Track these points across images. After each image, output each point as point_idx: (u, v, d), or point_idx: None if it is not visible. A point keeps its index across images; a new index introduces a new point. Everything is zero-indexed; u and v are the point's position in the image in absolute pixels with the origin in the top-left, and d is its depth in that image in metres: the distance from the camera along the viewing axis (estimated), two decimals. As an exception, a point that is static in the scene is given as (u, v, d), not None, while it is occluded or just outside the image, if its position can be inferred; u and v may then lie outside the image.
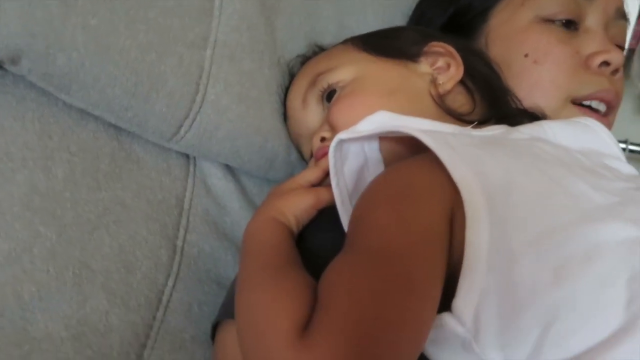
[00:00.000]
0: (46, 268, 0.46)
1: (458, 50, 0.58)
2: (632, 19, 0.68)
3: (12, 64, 0.46)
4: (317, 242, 0.49)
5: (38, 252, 0.46)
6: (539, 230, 0.37)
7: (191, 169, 0.61)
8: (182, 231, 0.57)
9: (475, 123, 0.53)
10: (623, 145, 1.20)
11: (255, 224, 0.48)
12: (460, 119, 0.55)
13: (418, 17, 0.74)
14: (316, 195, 0.50)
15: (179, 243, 0.56)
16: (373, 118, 0.50)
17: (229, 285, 0.58)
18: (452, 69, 0.57)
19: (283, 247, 0.46)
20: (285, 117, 0.64)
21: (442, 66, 0.57)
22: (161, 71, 0.52)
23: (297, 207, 0.49)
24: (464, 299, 0.35)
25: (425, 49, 0.58)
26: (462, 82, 0.57)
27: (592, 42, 0.61)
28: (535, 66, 0.61)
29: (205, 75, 0.55)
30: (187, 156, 0.61)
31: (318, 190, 0.51)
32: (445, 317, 0.36)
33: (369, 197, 0.41)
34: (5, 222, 0.45)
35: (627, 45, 0.68)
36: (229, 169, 0.64)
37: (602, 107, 0.62)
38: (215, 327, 0.51)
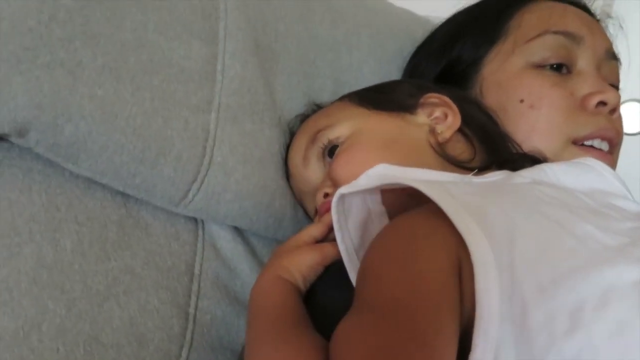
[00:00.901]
0: (56, 346, 0.44)
1: (453, 99, 0.59)
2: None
3: (20, 136, 0.46)
4: (326, 299, 0.48)
5: (47, 330, 0.44)
6: (548, 276, 0.36)
7: (200, 232, 0.60)
8: (193, 298, 0.55)
9: (476, 170, 0.53)
10: None
11: (262, 284, 0.47)
12: (461, 166, 0.55)
13: (412, 70, 0.76)
14: (321, 251, 0.50)
15: (191, 311, 0.54)
16: (372, 171, 0.50)
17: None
18: (450, 118, 0.58)
19: (291, 306, 0.45)
20: (287, 175, 0.64)
21: (440, 116, 0.58)
22: (168, 136, 0.52)
23: (303, 264, 0.49)
24: (480, 352, 0.34)
25: (421, 100, 0.59)
26: (460, 130, 0.58)
27: (586, 83, 0.62)
28: (531, 111, 0.62)
29: (212, 137, 0.56)
30: (196, 220, 0.60)
31: (323, 246, 0.50)
32: None
33: (375, 253, 0.41)
34: (13, 299, 0.43)
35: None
36: (237, 230, 0.63)
37: (604, 146, 0.62)
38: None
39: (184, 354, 0.51)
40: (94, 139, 0.48)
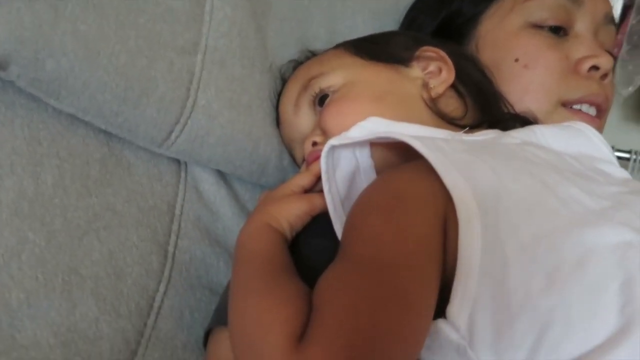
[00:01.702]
0: (35, 274, 0.45)
1: (450, 54, 0.58)
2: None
3: (1, 69, 0.46)
4: (310, 248, 0.49)
5: (26, 259, 0.45)
6: (531, 236, 0.37)
7: (182, 174, 0.60)
8: (173, 237, 0.57)
9: (467, 128, 0.53)
10: (627, 156, 1.20)
11: (248, 231, 0.48)
12: (453, 123, 0.55)
13: (409, 22, 0.75)
14: (310, 201, 0.50)
15: (170, 249, 0.56)
16: (364, 124, 0.50)
17: (221, 292, 0.57)
18: (444, 73, 0.57)
19: (276, 254, 0.45)
20: (277, 122, 0.64)
21: (434, 70, 0.58)
22: (151, 76, 0.52)
23: (291, 213, 0.49)
24: (458, 305, 0.35)
25: (417, 53, 0.58)
26: (453, 86, 0.58)
27: (581, 47, 0.62)
28: (525, 71, 0.62)
29: (196, 80, 0.55)
30: (179, 162, 0.61)
31: (312, 196, 0.51)
32: (440, 323, 0.36)
33: (362, 206, 0.41)
34: (-7, 228, 0.45)
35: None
36: (220, 174, 0.64)
37: (592, 111, 0.62)
38: (207, 335, 0.51)
39: (161, 289, 0.53)
40: (76, 75, 0.48)
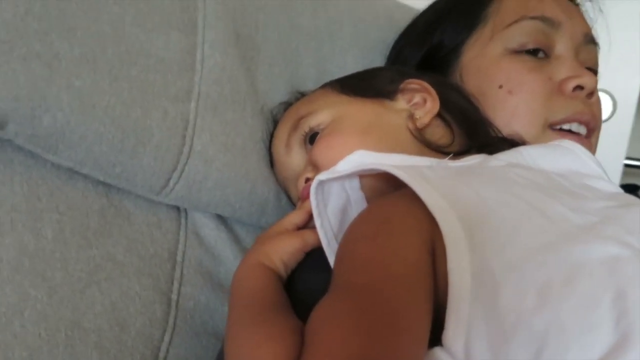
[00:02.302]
0: (37, 331, 0.45)
1: (433, 85, 0.59)
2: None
3: (-1, 128, 0.47)
4: (306, 284, 0.49)
5: (29, 316, 0.45)
6: (518, 255, 0.37)
7: (182, 221, 0.60)
8: (176, 284, 0.56)
9: (453, 155, 0.54)
10: None
11: (242, 270, 0.48)
12: (440, 150, 0.55)
13: (394, 57, 0.76)
14: (302, 238, 0.50)
15: (174, 297, 0.55)
16: (351, 157, 0.51)
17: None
18: (429, 104, 0.58)
19: (269, 291, 0.46)
20: (271, 163, 0.65)
21: (419, 101, 0.59)
22: (147, 125, 0.53)
23: (284, 250, 0.49)
24: (452, 331, 0.35)
25: (401, 86, 0.60)
26: (439, 115, 0.59)
27: (563, 67, 0.63)
28: (510, 96, 0.62)
29: (191, 127, 0.56)
30: (178, 208, 0.61)
31: (304, 232, 0.51)
32: (437, 351, 0.35)
33: (350, 235, 0.42)
34: (-5, 286, 0.44)
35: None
36: (220, 218, 0.64)
37: (582, 130, 0.62)
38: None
39: (166, 338, 0.53)
40: (72, 129, 0.49)
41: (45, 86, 0.47)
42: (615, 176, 1.19)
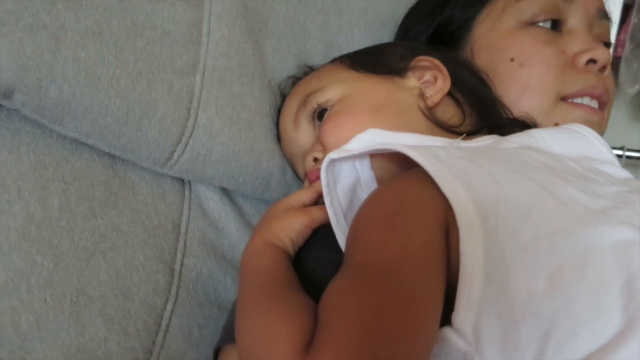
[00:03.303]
0: (43, 297, 0.46)
1: (445, 62, 0.59)
2: (615, 19, 0.68)
3: (5, 98, 0.47)
4: (314, 262, 0.49)
5: (35, 282, 0.46)
6: (531, 238, 0.37)
7: (187, 193, 0.61)
8: (179, 255, 0.57)
9: (465, 135, 0.54)
10: (620, 152, 1.20)
11: (251, 249, 0.49)
12: (451, 130, 0.55)
13: (404, 33, 0.75)
14: (309, 215, 0.50)
15: (177, 267, 0.57)
16: (362, 136, 0.51)
17: (229, 308, 0.58)
18: (440, 82, 0.58)
19: (279, 270, 0.46)
20: (278, 137, 0.65)
21: (430, 79, 0.58)
22: (152, 98, 0.53)
23: (291, 228, 0.50)
24: (463, 313, 0.35)
25: (412, 63, 0.59)
26: (450, 94, 0.58)
27: (577, 41, 0.62)
28: (522, 69, 0.61)
29: (196, 100, 0.56)
30: (182, 181, 0.62)
31: (311, 209, 0.51)
32: (446, 331, 0.36)
33: (363, 216, 0.42)
34: (2, 253, 0.46)
35: (612, 49, 0.68)
36: (224, 191, 0.64)
37: (594, 104, 0.61)
38: (216, 352, 0.51)
39: (168, 307, 0.54)
40: (78, 100, 0.49)
41: (51, 57, 0.47)
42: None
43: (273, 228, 0.50)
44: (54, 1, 0.48)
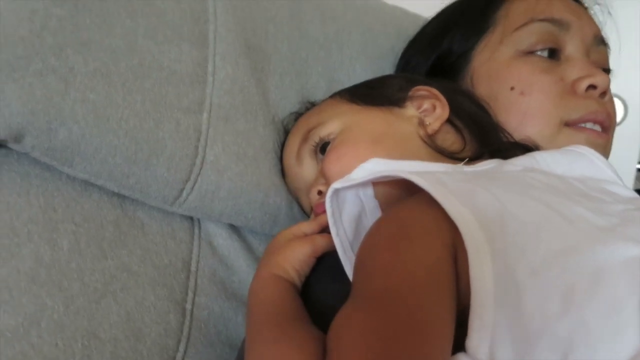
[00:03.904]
0: (54, 341, 0.45)
1: (442, 91, 0.59)
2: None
3: (16, 142, 0.48)
4: (322, 293, 0.49)
5: (45, 326, 0.46)
6: (540, 258, 0.37)
7: (196, 231, 0.61)
8: (190, 294, 0.57)
9: (467, 160, 0.54)
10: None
11: (257, 283, 0.48)
12: (452, 157, 0.55)
13: (403, 65, 0.77)
14: (312, 243, 0.50)
15: (188, 306, 0.56)
16: (365, 165, 0.51)
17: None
18: (438, 110, 0.58)
19: (287, 302, 0.45)
20: (283, 173, 0.65)
21: (428, 108, 0.59)
22: (159, 137, 0.54)
23: (295, 258, 0.49)
24: (476, 338, 0.34)
25: (410, 93, 0.60)
26: (449, 121, 0.58)
27: (575, 68, 0.62)
28: (522, 98, 0.62)
29: (204, 137, 0.57)
30: (192, 218, 0.62)
31: (313, 237, 0.51)
32: (461, 357, 0.35)
33: (369, 243, 0.41)
34: (12, 297, 0.45)
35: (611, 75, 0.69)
36: (233, 228, 0.64)
37: (597, 128, 0.61)
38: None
39: (181, 348, 0.53)
40: (87, 141, 0.50)
41: (60, 100, 0.48)
42: (629, 180, 1.18)
43: (277, 260, 0.49)
44: (62, 46, 0.49)
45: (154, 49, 0.55)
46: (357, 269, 0.40)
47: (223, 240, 0.62)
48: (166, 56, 0.56)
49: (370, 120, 0.58)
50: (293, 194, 0.65)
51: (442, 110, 0.58)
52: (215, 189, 0.58)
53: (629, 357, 0.32)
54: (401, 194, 0.50)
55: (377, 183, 0.51)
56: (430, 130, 0.57)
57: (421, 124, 0.57)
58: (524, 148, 0.59)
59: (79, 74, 0.49)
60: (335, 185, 0.48)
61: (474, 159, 0.55)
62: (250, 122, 0.62)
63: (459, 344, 0.35)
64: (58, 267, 0.48)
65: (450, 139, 0.57)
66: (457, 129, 0.58)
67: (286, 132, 0.67)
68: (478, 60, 0.67)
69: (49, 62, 0.48)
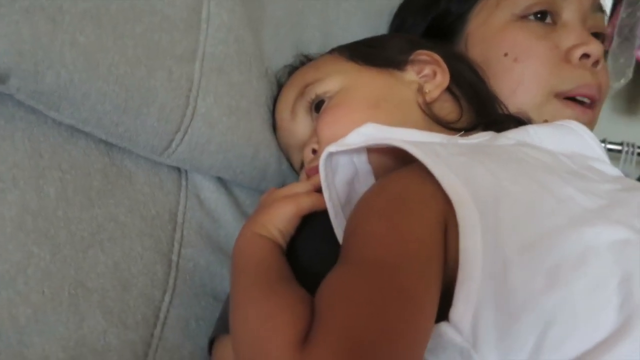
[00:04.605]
0: (41, 289, 0.45)
1: (444, 57, 0.59)
2: (607, 9, 0.68)
3: (0, 82, 0.45)
4: (310, 255, 0.49)
5: (32, 273, 0.45)
6: (530, 236, 0.37)
7: (183, 182, 0.60)
8: (176, 245, 0.56)
9: (463, 132, 0.54)
10: (619, 148, 1.21)
11: (241, 242, 0.48)
12: (448, 127, 0.55)
13: (398, 24, 0.75)
14: (296, 202, 0.50)
15: (174, 258, 0.56)
16: (361, 130, 0.50)
17: (225, 299, 0.57)
18: (439, 77, 0.58)
19: (271, 262, 0.46)
20: (274, 127, 0.64)
21: (429, 74, 0.58)
22: (151, 85, 0.52)
23: (279, 218, 0.49)
24: (461, 308, 0.35)
25: (412, 57, 0.59)
26: (448, 89, 0.58)
27: (570, 35, 0.62)
28: (515, 64, 0.61)
29: (195, 88, 0.55)
30: (179, 170, 0.61)
31: (297, 197, 0.50)
32: (443, 326, 0.36)
33: (362, 210, 0.42)
34: (-2, 244, 0.44)
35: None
36: (221, 181, 0.64)
37: (586, 100, 0.62)
38: (212, 342, 0.51)
39: (166, 299, 0.53)
40: (76, 86, 0.48)
41: (48, 41, 0.45)
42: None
43: (261, 219, 0.49)
44: (51, -18, 0.46)
45: (147, -9, 0.53)
46: (348, 235, 0.41)
47: (210, 193, 0.62)
48: (159, -1, 0.54)
49: (369, 82, 0.57)
50: (284, 149, 0.64)
51: (442, 78, 0.57)
52: (205, 141, 0.57)
53: (606, 335, 0.34)
54: (395, 162, 0.50)
55: (372, 149, 0.51)
56: (429, 98, 0.56)
57: (420, 90, 0.57)
58: (517, 121, 0.59)
59: (67, 14, 0.47)
60: (330, 148, 0.48)
61: (469, 129, 0.55)
62: (244, 74, 0.61)
63: (442, 314, 0.36)
64: (45, 215, 0.47)
65: (447, 108, 0.57)
66: (455, 98, 0.58)
67: (279, 86, 0.66)
68: (474, 24, 0.66)
69: (37, -2, 0.45)
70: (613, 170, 0.51)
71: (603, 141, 1.21)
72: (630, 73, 1.12)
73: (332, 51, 0.64)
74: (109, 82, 0.49)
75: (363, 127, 0.50)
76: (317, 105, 0.57)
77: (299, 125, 0.59)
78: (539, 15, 0.63)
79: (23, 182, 0.47)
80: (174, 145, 0.55)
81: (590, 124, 0.63)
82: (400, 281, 0.35)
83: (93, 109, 0.49)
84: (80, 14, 0.48)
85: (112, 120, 0.51)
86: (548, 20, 0.63)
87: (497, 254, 0.37)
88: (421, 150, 0.41)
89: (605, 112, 1.29)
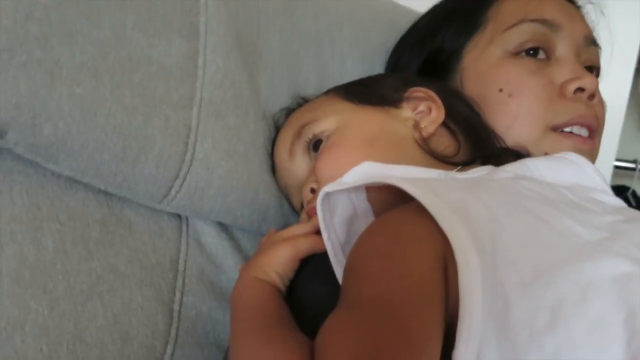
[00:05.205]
0: (39, 346, 0.44)
1: (438, 93, 0.59)
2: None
3: (-2, 137, 0.46)
4: (310, 297, 0.48)
5: (30, 330, 0.44)
6: (530, 272, 0.37)
7: (184, 229, 0.60)
8: (178, 294, 0.55)
9: (460, 167, 0.53)
10: (632, 165, 1.20)
11: (240, 285, 0.47)
12: (446, 161, 0.55)
13: (394, 62, 0.76)
14: (294, 245, 0.49)
15: (176, 307, 0.55)
16: (358, 169, 0.50)
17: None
18: (434, 112, 0.58)
19: (270, 306, 0.45)
20: (273, 169, 0.64)
21: (424, 110, 0.58)
22: (148, 133, 0.52)
23: (277, 261, 0.48)
24: (464, 349, 0.34)
25: (406, 94, 0.59)
26: (444, 124, 0.58)
27: (564, 70, 0.62)
28: (510, 100, 0.62)
29: (193, 134, 0.55)
30: (179, 216, 0.60)
31: (295, 239, 0.50)
32: None
33: (361, 250, 0.41)
34: (-5, 300, 0.43)
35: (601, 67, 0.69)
36: (222, 226, 0.63)
37: (584, 132, 0.62)
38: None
39: (168, 350, 0.52)
40: (74, 137, 0.48)
41: (46, 94, 0.46)
42: (605, 177, 1.21)
43: (259, 263, 0.48)
44: (48, 37, 0.47)
45: (143, 41, 0.53)
46: (348, 275, 0.40)
47: (211, 238, 0.61)
48: (156, 49, 0.54)
49: (365, 120, 0.57)
50: (283, 191, 0.64)
51: (437, 113, 0.58)
52: (205, 186, 0.56)
53: None
54: (394, 198, 0.50)
55: (370, 187, 0.50)
56: (425, 133, 0.56)
57: (416, 126, 0.57)
58: (515, 154, 0.59)
59: (65, 67, 0.47)
60: (327, 188, 0.48)
61: (466, 163, 0.55)
62: (240, 118, 0.61)
63: (445, 356, 0.35)
64: (42, 268, 0.46)
65: (444, 143, 0.57)
66: (452, 132, 0.58)
67: (277, 128, 0.66)
68: (468, 59, 0.67)
69: (34, 54, 0.46)
70: (615, 201, 0.50)
71: (634, 161, 1.20)
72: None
73: (328, 92, 0.64)
74: (107, 131, 0.49)
75: (360, 166, 0.50)
76: (315, 145, 0.58)
77: (297, 165, 0.59)
78: (531, 52, 0.63)
79: (21, 235, 0.46)
80: (173, 192, 0.55)
81: (591, 154, 0.63)
82: (400, 318, 0.34)
83: (91, 159, 0.49)
84: (77, 66, 0.48)
85: (111, 170, 0.51)
86: (541, 55, 0.63)
87: (497, 291, 0.36)
88: (418, 188, 0.41)
89: (636, 131, 1.28)
